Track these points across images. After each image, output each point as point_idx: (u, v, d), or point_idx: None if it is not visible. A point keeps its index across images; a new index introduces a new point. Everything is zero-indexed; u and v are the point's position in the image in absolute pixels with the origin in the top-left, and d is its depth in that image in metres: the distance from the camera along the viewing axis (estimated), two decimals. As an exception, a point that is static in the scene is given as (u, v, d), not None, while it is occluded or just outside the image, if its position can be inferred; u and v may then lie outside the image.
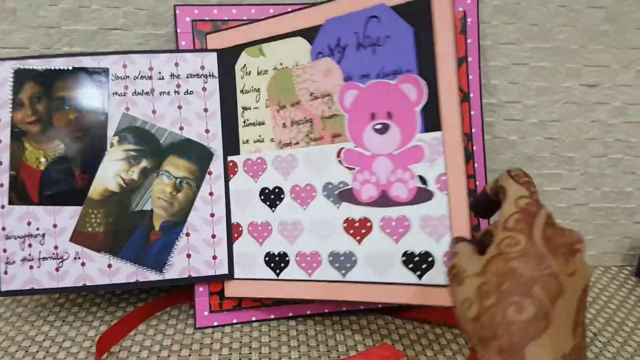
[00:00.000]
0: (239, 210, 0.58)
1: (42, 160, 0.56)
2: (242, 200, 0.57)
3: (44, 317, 0.61)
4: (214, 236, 0.58)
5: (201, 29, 0.60)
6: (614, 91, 0.71)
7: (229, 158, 0.58)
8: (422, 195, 0.49)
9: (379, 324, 0.60)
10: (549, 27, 0.68)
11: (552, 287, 0.33)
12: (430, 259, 0.49)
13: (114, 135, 0.57)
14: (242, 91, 0.57)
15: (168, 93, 0.58)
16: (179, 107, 0.58)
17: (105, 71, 0.57)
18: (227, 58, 0.58)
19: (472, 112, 0.60)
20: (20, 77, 0.56)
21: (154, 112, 0.58)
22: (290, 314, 0.59)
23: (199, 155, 0.58)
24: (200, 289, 0.59)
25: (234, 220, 0.58)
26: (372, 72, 0.51)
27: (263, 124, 0.56)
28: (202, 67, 0.58)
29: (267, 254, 0.56)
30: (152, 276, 0.57)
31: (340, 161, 0.53)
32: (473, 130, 0.59)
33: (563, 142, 0.72)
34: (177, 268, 0.57)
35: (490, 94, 0.70)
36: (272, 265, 0.56)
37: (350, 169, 0.52)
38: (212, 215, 0.58)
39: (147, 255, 0.57)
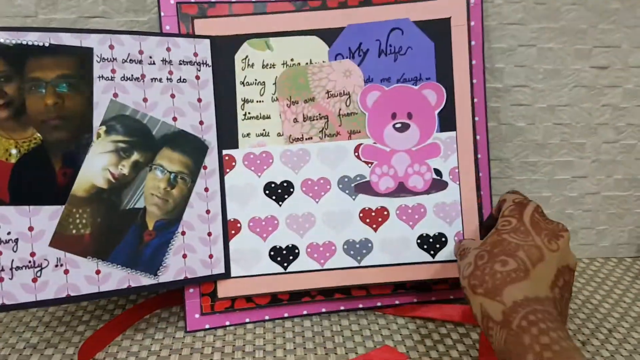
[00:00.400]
0: (237, 206, 0.56)
1: (13, 151, 0.47)
2: (241, 195, 0.56)
3: (25, 322, 0.54)
4: (209, 234, 0.55)
5: (187, 12, 0.56)
6: (626, 73, 0.68)
7: (225, 152, 0.56)
8: (437, 185, 0.57)
9: (380, 324, 0.58)
10: (557, 6, 0.66)
11: (534, 254, 0.44)
12: (443, 239, 0.57)
13: (100, 125, 0.50)
14: (242, 83, 0.55)
15: (160, 80, 0.53)
16: (172, 96, 0.53)
17: (89, 51, 0.50)
18: (225, 47, 0.55)
19: (475, 99, 0.58)
20: (-19, 52, 0.46)
21: (145, 100, 0.52)
22: (286, 315, 0.58)
23: (193, 148, 0.54)
24: (191, 290, 0.55)
25: (230, 216, 0.56)
26: (392, 76, 0.56)
27: (268, 117, 0.56)
28: (195, 55, 0.54)
29: (273, 249, 0.56)
30: (145, 280, 0.52)
31: (358, 156, 0.56)
32: (476, 118, 0.59)
33: (573, 128, 0.70)
34: (172, 270, 0.53)
35: (496, 78, 0.67)
36: (279, 259, 0.56)
37: (367, 163, 0.56)
38: (208, 212, 0.55)
39: (140, 257, 0.52)
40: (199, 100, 0.55)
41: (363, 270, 0.56)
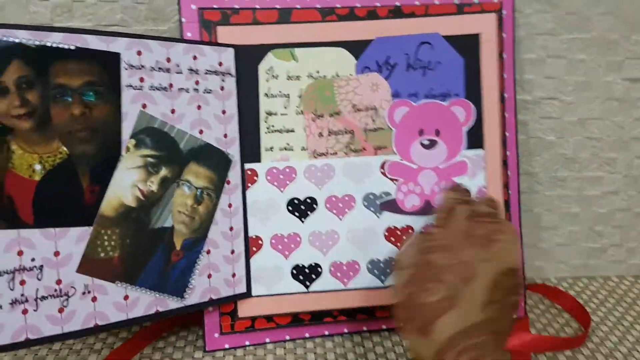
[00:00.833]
0: (259, 222, 0.54)
1: (37, 167, 0.41)
2: (263, 211, 0.54)
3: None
4: (232, 252, 0.53)
5: (209, 18, 0.52)
6: (659, 86, 0.66)
7: (247, 166, 0.53)
8: None
9: (406, 346, 0.56)
10: (588, 16, 0.64)
11: (463, 273, 0.39)
12: None
13: (130, 138, 0.46)
14: (266, 95, 0.53)
15: (187, 90, 0.50)
16: (198, 108, 0.50)
17: (116, 57, 0.45)
18: (248, 57, 0.53)
19: (506, 115, 0.59)
20: (3, 54, 0.40)
21: (172, 111, 0.49)
22: (307, 335, 0.57)
23: (218, 162, 0.52)
24: (210, 309, 0.53)
25: (252, 233, 0.54)
26: (420, 91, 0.56)
27: (292, 131, 0.54)
28: (220, 64, 0.52)
29: (295, 267, 0.54)
30: (173, 304, 0.49)
31: (383, 172, 0.56)
32: (507, 134, 0.59)
33: (604, 142, 0.68)
34: (198, 291, 0.50)
35: (525, 89, 0.66)
36: (301, 277, 0.55)
37: (393, 180, 0.56)
38: (231, 228, 0.53)
39: (167, 279, 0.48)
40: (224, 112, 0.52)
41: (388, 290, 0.56)
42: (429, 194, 0.57)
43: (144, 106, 0.47)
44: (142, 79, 0.47)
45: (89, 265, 0.44)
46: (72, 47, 0.43)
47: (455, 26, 0.56)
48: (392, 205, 0.56)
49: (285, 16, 0.55)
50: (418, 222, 0.57)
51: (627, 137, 0.68)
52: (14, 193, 0.40)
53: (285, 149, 0.55)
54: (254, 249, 0.54)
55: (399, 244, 0.56)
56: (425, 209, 0.57)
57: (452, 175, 0.57)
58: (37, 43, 0.42)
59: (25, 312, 0.41)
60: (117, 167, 0.45)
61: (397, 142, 0.56)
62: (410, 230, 0.57)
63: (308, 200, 0.55)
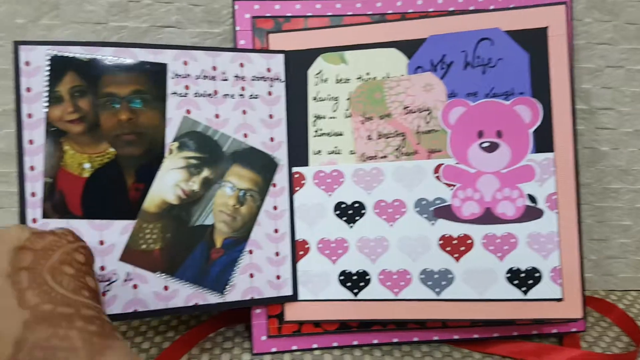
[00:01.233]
0: (306, 226, 0.54)
1: (87, 166, 0.48)
2: (311, 215, 0.53)
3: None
4: (277, 254, 0.53)
5: (262, 26, 0.55)
6: None
7: (294, 169, 0.54)
8: (531, 213, 0.51)
9: (454, 358, 0.54)
10: None
11: None
12: (537, 274, 0.50)
13: (173, 141, 0.50)
14: (315, 99, 0.54)
15: (232, 96, 0.52)
16: (244, 112, 0.53)
17: (163, 67, 0.50)
18: (298, 62, 0.54)
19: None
20: (59, 66, 0.47)
21: (217, 116, 0.52)
22: (355, 343, 0.55)
23: (263, 165, 0.53)
24: (258, 310, 0.54)
25: (298, 236, 0.54)
26: (480, 91, 0.51)
27: (341, 134, 0.53)
28: (269, 70, 0.53)
29: (343, 273, 0.53)
30: (212, 299, 0.51)
31: (438, 177, 0.52)
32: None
33: None
34: (239, 289, 0.52)
35: (581, 99, 0.65)
36: (349, 284, 0.53)
37: (449, 185, 0.52)
38: (276, 231, 0.53)
39: (207, 275, 0.51)
40: (271, 116, 0.54)
41: (442, 303, 0.52)
42: (490, 201, 0.51)
43: (188, 112, 0.51)
44: (187, 87, 0.51)
45: (131, 255, 0.49)
46: (121, 60, 0.49)
47: (518, 20, 0.51)
48: (447, 212, 0.51)
49: (336, 22, 0.55)
50: (477, 232, 0.51)
51: (684, 150, 0.65)
52: (65, 188, 0.47)
53: (333, 152, 0.54)
54: (301, 252, 0.54)
55: (455, 255, 0.51)
56: (485, 217, 0.51)
57: (516, 181, 0.50)
58: (89, 57, 0.48)
59: (72, 292, 0.47)
60: (161, 167, 0.50)
61: (452, 145, 0.52)
62: (468, 240, 0.51)
63: (356, 205, 0.53)
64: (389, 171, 0.53)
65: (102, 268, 0.48)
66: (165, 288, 0.50)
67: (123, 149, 0.49)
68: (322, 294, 0.53)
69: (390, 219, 0.52)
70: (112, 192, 0.48)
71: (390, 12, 0.55)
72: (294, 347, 0.54)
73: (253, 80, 0.53)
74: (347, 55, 0.53)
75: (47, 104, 0.47)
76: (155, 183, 0.49)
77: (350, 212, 0.53)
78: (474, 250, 0.51)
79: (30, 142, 0.47)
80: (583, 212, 0.66)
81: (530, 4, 0.52)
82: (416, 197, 0.52)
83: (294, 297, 0.54)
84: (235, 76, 0.52)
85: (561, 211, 0.50)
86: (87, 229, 0.47)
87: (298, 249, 0.54)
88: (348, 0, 0.56)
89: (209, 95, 0.52)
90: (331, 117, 0.54)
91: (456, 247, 0.51)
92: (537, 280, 0.50)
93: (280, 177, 0.54)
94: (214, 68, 0.52)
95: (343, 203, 0.53)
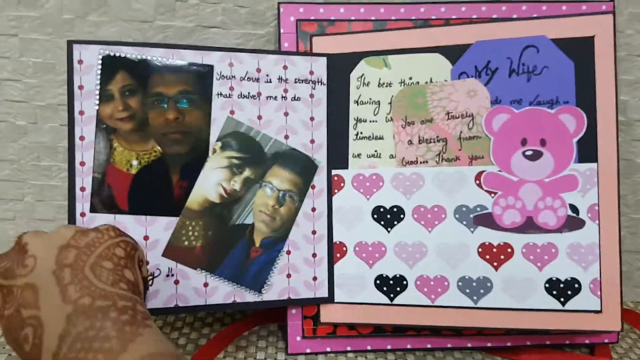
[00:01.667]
0: (344, 229, 0.54)
1: (134, 163, 0.49)
2: (349, 218, 0.54)
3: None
4: (314, 255, 0.54)
5: (306, 29, 0.55)
6: None
7: (334, 172, 0.54)
8: (573, 223, 0.50)
9: None
10: None
11: None
12: (576, 285, 0.50)
13: (217, 141, 0.51)
14: (356, 102, 0.54)
15: (275, 98, 0.53)
16: (285, 114, 0.53)
17: (209, 68, 0.51)
18: (341, 65, 0.54)
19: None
20: (110, 66, 0.49)
21: (259, 117, 0.52)
22: (389, 347, 0.55)
23: (303, 167, 0.54)
24: (293, 311, 0.54)
25: (336, 239, 0.54)
26: (524, 98, 0.51)
27: (381, 138, 0.54)
28: (311, 73, 0.54)
29: (379, 277, 0.53)
30: (250, 297, 0.52)
31: (479, 184, 0.52)
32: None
33: None
34: (276, 289, 0.53)
35: (619, 110, 0.63)
36: (385, 289, 0.53)
37: (490, 192, 0.51)
38: (314, 232, 0.54)
39: (246, 273, 0.52)
40: (312, 118, 0.54)
41: (480, 312, 0.51)
42: (532, 210, 0.51)
43: (232, 112, 0.52)
44: (231, 88, 0.52)
45: (173, 251, 0.50)
46: (170, 61, 0.50)
47: (564, 28, 0.51)
48: (487, 220, 0.51)
49: (379, 27, 0.55)
50: (517, 240, 0.51)
51: None
52: (113, 183, 0.49)
53: (373, 156, 0.54)
54: (338, 255, 0.54)
55: (495, 263, 0.51)
56: (526, 226, 0.51)
57: (559, 190, 0.50)
58: (139, 57, 0.50)
59: (116, 285, 0.49)
60: (204, 166, 0.51)
61: (495, 152, 0.51)
62: (508, 249, 0.50)
63: (394, 210, 0.53)
64: (429, 176, 0.53)
65: (147, 263, 0.49)
66: (205, 285, 0.51)
67: (169, 147, 0.50)
68: (358, 297, 0.53)
69: (429, 225, 0.52)
70: (158, 189, 0.50)
71: (433, 17, 0.55)
72: (328, 349, 0.55)
73: (296, 82, 0.54)
74: (390, 59, 0.54)
75: (98, 102, 0.49)
76: (198, 181, 0.51)
77: (388, 217, 0.53)
78: (513, 259, 0.51)
79: (82, 138, 0.48)
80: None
81: (575, 13, 0.52)
82: (456, 204, 0.52)
83: (330, 299, 0.54)
84: (279, 78, 0.53)
85: (602, 222, 0.50)
86: (133, 225, 0.49)
87: (335, 251, 0.54)
88: (392, 5, 0.56)
89: (253, 97, 0.52)
90: (372, 121, 0.54)
91: (496, 255, 0.51)
92: (577, 291, 0.50)
93: (320, 179, 0.54)
94: (258, 70, 0.53)
95: (382, 207, 0.53)
